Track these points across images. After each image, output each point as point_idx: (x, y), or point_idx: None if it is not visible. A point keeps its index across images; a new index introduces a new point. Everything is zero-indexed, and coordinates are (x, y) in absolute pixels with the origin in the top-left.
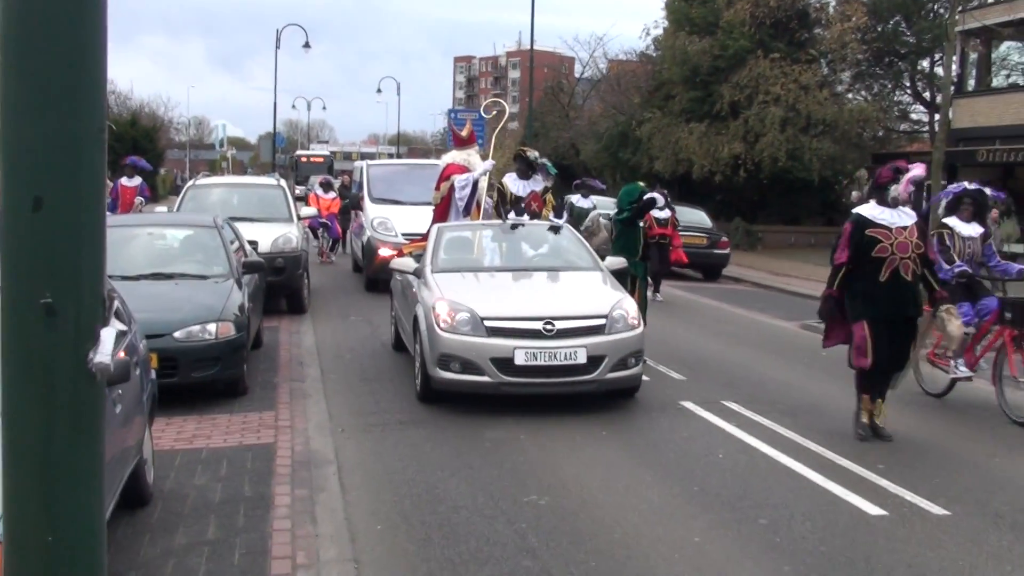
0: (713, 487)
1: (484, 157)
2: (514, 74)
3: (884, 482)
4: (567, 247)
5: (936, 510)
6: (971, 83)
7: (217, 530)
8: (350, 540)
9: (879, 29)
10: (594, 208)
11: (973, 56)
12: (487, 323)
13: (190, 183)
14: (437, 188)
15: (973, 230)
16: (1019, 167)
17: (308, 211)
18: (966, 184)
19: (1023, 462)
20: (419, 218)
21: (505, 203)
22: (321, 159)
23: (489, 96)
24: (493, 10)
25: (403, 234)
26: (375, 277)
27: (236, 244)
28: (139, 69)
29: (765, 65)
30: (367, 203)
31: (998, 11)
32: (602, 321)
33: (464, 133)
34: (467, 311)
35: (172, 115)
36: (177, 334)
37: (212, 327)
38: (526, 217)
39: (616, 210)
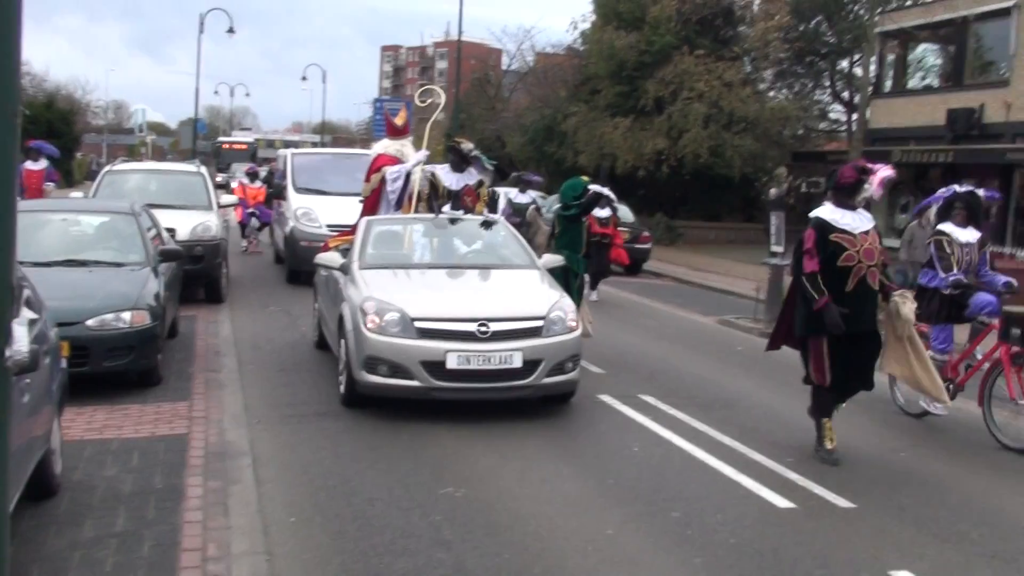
0: (628, 480)
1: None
2: (441, 65)
3: (793, 475)
4: (502, 244)
5: (842, 503)
6: (888, 84)
7: (126, 522)
8: (263, 532)
9: (801, 28)
10: (533, 203)
11: (890, 57)
12: (417, 324)
13: (107, 168)
14: (367, 180)
15: (970, 235)
16: (932, 168)
17: (228, 199)
18: (956, 187)
19: (927, 457)
20: (345, 209)
21: (438, 197)
22: (244, 146)
23: (417, 85)
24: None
25: (328, 225)
26: (297, 269)
27: (153, 231)
28: (56, 50)
29: (690, 61)
30: (290, 193)
31: (915, 14)
32: (539, 323)
33: (399, 122)
34: (396, 311)
35: (90, 99)
36: (90, 322)
37: (126, 315)
38: (460, 212)
39: (559, 205)
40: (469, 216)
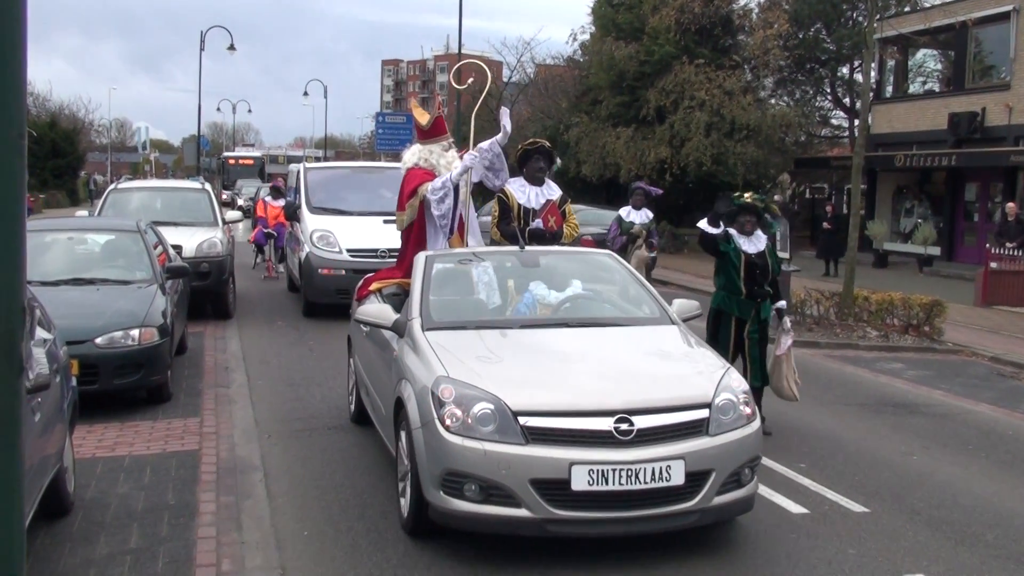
0: None
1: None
2: (442, 78)
3: (806, 481)
4: (617, 285)
5: (856, 507)
6: (889, 89)
7: (140, 539)
8: (276, 547)
9: (800, 36)
10: (652, 223)
11: (890, 63)
12: (524, 421)
13: (112, 186)
14: (401, 207)
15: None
16: (935, 171)
17: (233, 215)
18: None
19: (938, 460)
20: (367, 231)
21: (510, 219)
22: (251, 161)
23: (417, 99)
24: (419, 13)
25: (348, 250)
26: (315, 301)
27: (160, 249)
28: (54, 69)
29: (690, 71)
30: (305, 213)
31: (914, 20)
32: (703, 413)
33: (422, 121)
34: (489, 400)
35: (93, 117)
36: (99, 340)
37: (135, 333)
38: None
39: (710, 227)
40: (567, 248)
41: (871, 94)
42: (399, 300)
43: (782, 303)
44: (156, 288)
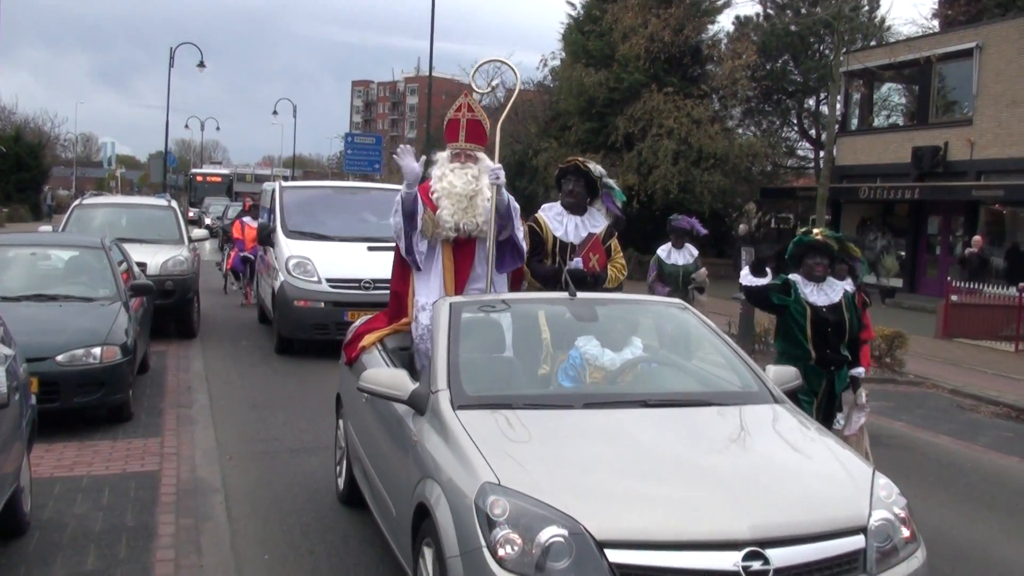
0: None
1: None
2: (412, 100)
3: None
4: (689, 343)
5: None
6: (854, 122)
7: (97, 560)
8: (236, 570)
9: (768, 67)
10: (696, 265)
11: (856, 96)
12: (613, 556)
13: (76, 202)
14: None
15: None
16: (899, 204)
17: (199, 233)
18: None
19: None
20: (350, 259)
21: (542, 254)
22: (219, 179)
23: (388, 121)
24: (390, 35)
25: (328, 280)
26: (289, 337)
27: (124, 266)
28: (20, 82)
29: (659, 99)
30: (280, 237)
31: (879, 54)
32: (858, 541)
33: (459, 116)
34: (561, 523)
35: (59, 131)
36: (59, 358)
37: (96, 351)
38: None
39: (754, 278)
40: (631, 296)
41: (837, 126)
42: (406, 356)
43: (859, 370)
44: (119, 306)
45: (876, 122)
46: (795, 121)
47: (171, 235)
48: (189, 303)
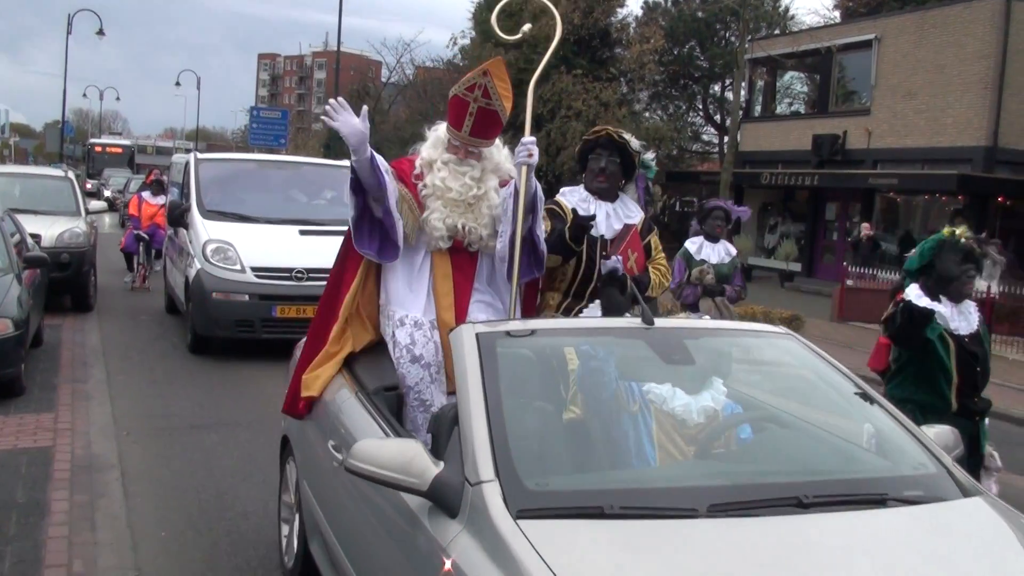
0: None
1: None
2: (320, 75)
3: None
4: (804, 387)
5: None
6: (758, 109)
7: None
8: (132, 548)
9: (675, 52)
10: (735, 264)
11: (760, 84)
12: None
13: None
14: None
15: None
16: (799, 190)
17: (97, 205)
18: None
19: None
20: (279, 244)
21: (566, 248)
22: (120, 149)
23: (295, 96)
24: (297, 8)
25: (253, 269)
26: (206, 334)
27: (17, 237)
28: None
29: (568, 81)
30: (196, 218)
31: (783, 42)
32: None
33: (468, 99)
34: None
35: None
36: None
37: None
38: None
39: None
40: (731, 324)
41: (740, 112)
42: (393, 399)
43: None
44: (12, 278)
45: (778, 109)
46: (700, 106)
47: (68, 206)
48: (86, 276)
